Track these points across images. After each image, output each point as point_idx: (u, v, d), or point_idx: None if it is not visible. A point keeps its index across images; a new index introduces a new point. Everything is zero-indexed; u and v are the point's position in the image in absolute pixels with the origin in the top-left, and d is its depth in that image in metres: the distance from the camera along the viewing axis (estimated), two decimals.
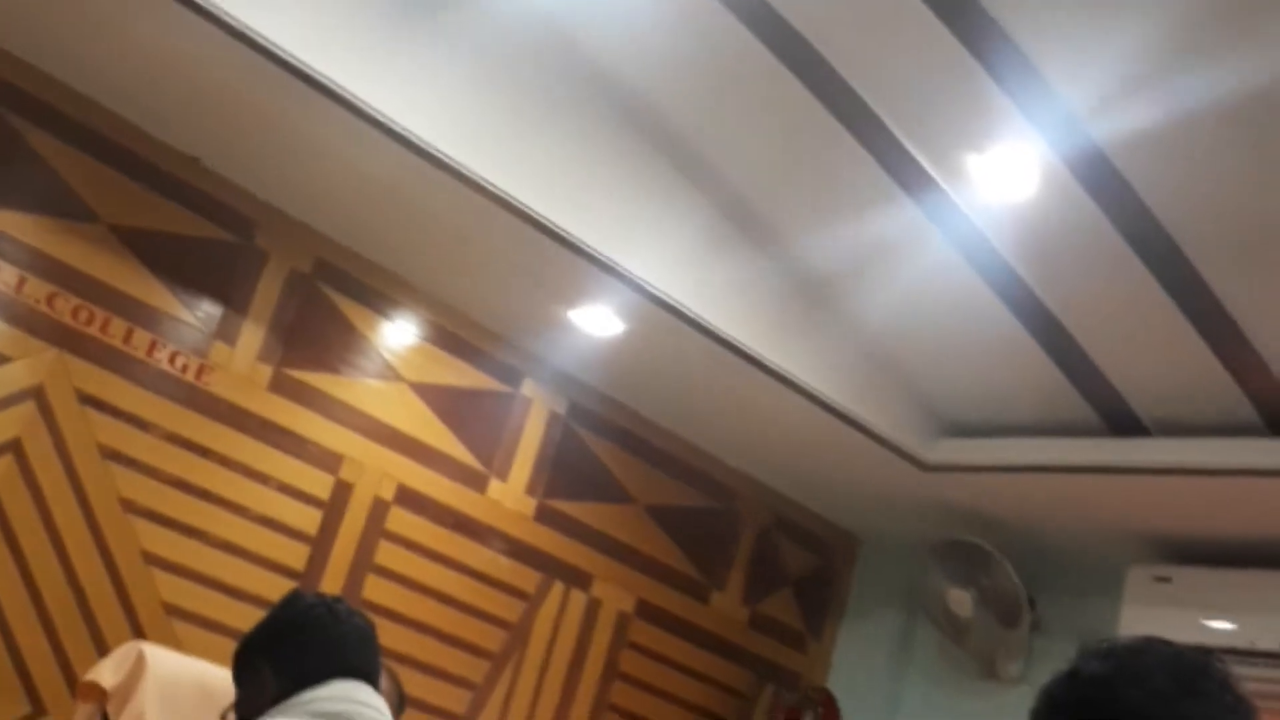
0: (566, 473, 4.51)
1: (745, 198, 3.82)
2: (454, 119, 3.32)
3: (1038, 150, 3.23)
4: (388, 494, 4.09)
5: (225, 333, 3.79)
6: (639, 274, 3.68)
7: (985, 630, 4.74)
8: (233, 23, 2.93)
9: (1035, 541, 4.66)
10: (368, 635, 2.18)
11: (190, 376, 3.73)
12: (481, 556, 4.30)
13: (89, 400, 3.55)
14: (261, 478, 3.85)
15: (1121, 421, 4.07)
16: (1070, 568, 4.69)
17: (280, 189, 3.79)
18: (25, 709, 3.42)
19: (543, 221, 3.48)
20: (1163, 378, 3.87)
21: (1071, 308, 3.77)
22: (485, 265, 3.91)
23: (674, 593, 4.80)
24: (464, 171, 3.34)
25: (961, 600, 4.70)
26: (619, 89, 3.55)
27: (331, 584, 3.93)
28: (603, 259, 3.61)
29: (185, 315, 3.73)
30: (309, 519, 3.93)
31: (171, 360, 3.70)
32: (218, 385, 3.78)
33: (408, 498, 4.13)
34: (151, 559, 3.64)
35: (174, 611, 3.67)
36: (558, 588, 4.50)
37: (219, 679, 2.57)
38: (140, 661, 2.77)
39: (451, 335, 4.24)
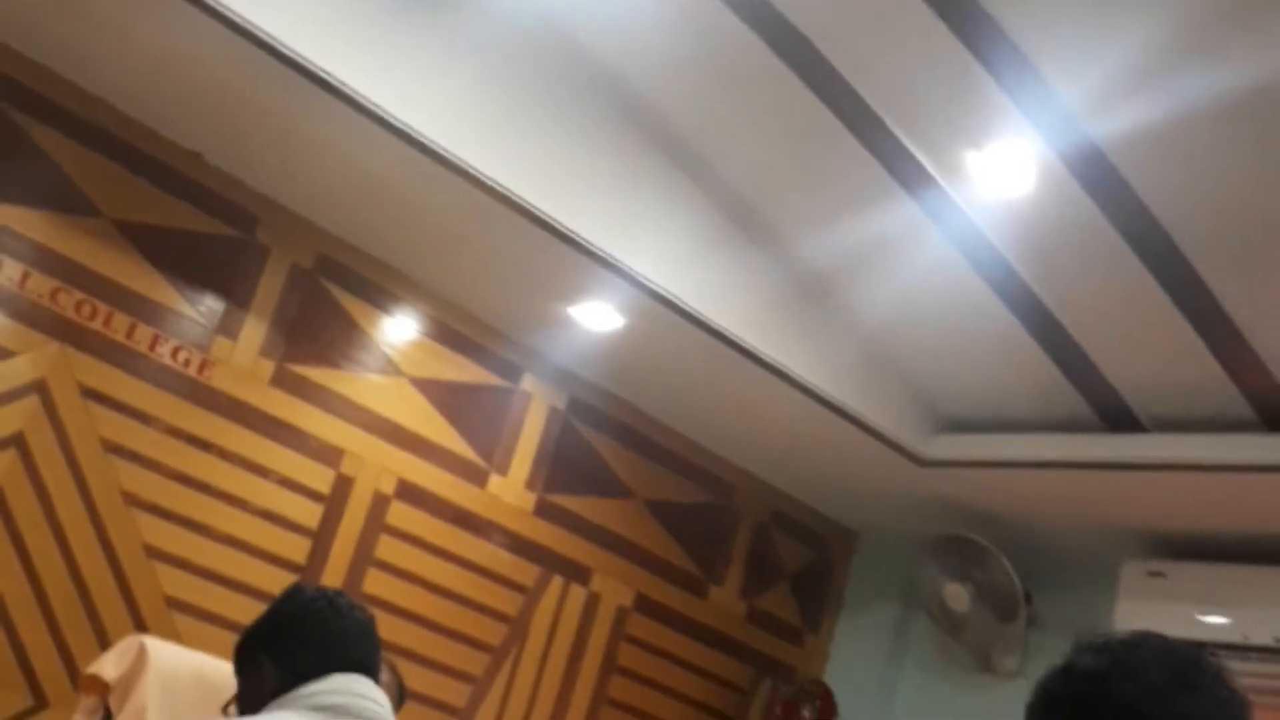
0: (566, 468, 4.52)
1: (744, 194, 3.83)
2: (455, 115, 3.33)
3: (1035, 147, 3.24)
4: (388, 488, 4.11)
5: (227, 327, 3.80)
6: (639, 270, 3.69)
7: (981, 625, 4.76)
8: (235, 19, 2.94)
9: (1031, 536, 4.67)
10: (368, 629, 2.18)
11: (192, 371, 3.74)
12: (481, 551, 4.31)
13: (92, 394, 3.57)
14: (263, 472, 3.86)
15: (1118, 417, 4.08)
16: (1066, 563, 4.71)
17: (282, 184, 3.80)
18: (27, 702, 3.44)
19: (543, 217, 3.49)
20: (1159, 374, 3.88)
21: (1069, 304, 3.79)
22: (486, 261, 3.92)
23: (672, 587, 4.81)
24: (465, 168, 3.34)
25: (958, 595, 4.72)
26: (620, 86, 3.56)
27: (332, 578, 3.94)
28: (603, 255, 3.62)
29: (188, 310, 3.74)
30: (310, 513, 3.95)
31: (174, 355, 3.71)
32: (220, 380, 3.79)
33: (408, 492, 4.15)
34: (153, 552, 3.65)
35: (175, 604, 3.69)
36: (557, 582, 4.51)
37: (220, 672, 2.57)
38: (142, 654, 2.77)
39: (452, 330, 4.26)
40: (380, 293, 4.10)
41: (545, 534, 4.47)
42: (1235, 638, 4.01)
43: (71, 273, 3.54)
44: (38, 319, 3.48)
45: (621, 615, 4.68)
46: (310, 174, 3.69)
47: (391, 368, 4.13)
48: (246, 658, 2.16)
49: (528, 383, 4.43)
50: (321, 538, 3.97)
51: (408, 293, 4.15)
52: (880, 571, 5.23)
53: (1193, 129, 3.02)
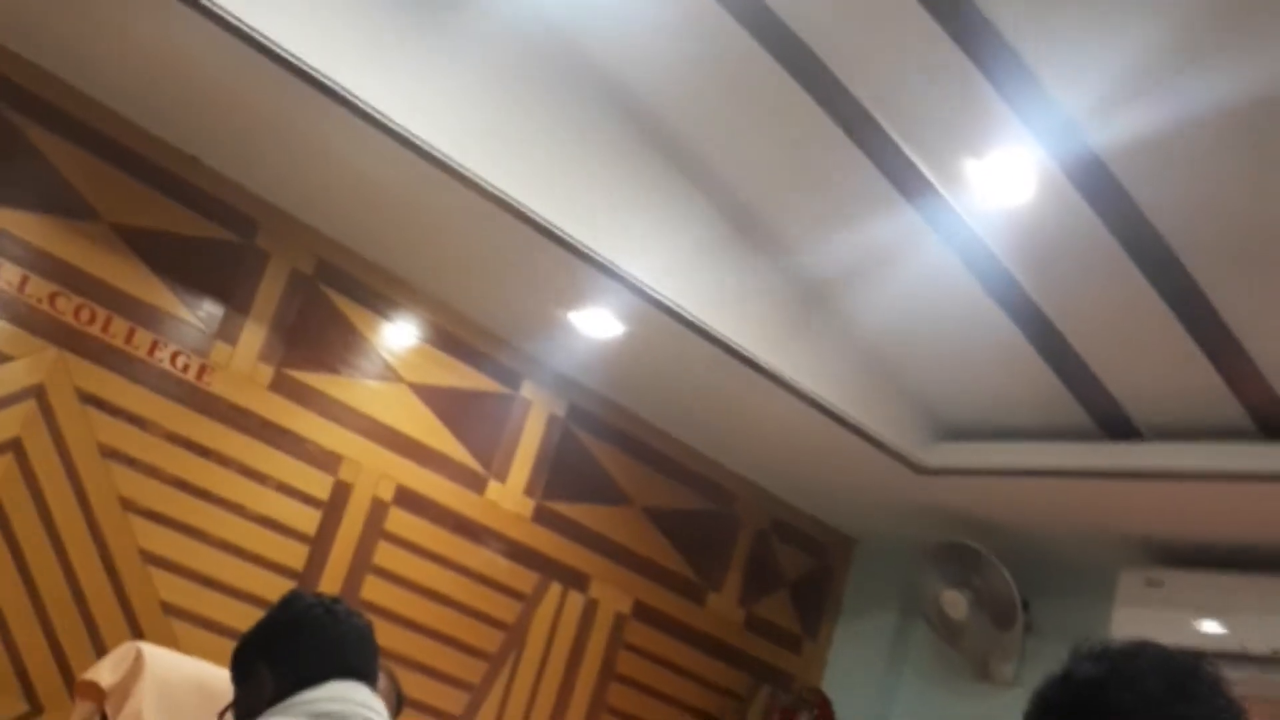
0: (565, 474, 4.52)
1: (745, 202, 3.83)
2: (457, 120, 3.33)
3: (1035, 156, 3.24)
4: (387, 494, 4.10)
5: (226, 332, 3.80)
6: (639, 277, 3.69)
7: (979, 632, 4.75)
8: (235, 22, 2.94)
9: (1029, 544, 4.67)
10: (366, 635, 2.17)
11: (191, 376, 3.74)
12: (479, 557, 4.31)
13: (90, 399, 3.56)
14: (261, 477, 3.86)
15: (1116, 426, 4.08)
16: (1064, 570, 4.71)
17: (282, 189, 3.80)
18: (22, 707, 3.43)
19: (544, 223, 3.49)
20: (1157, 383, 3.88)
21: (1068, 313, 3.79)
22: (486, 267, 3.92)
23: (671, 594, 4.81)
24: (465, 173, 3.34)
25: (956, 602, 4.72)
26: (621, 92, 3.56)
27: (330, 584, 3.94)
28: (603, 261, 3.62)
29: (186, 315, 3.74)
30: (308, 519, 3.94)
31: (173, 360, 3.71)
32: (218, 385, 3.79)
33: (406, 498, 4.14)
34: (150, 558, 3.65)
35: (172, 610, 3.68)
36: (555, 589, 4.51)
37: (217, 678, 2.56)
38: (138, 661, 2.77)
39: (452, 337, 4.25)
40: (380, 298, 4.10)
41: (544, 541, 4.47)
42: (1232, 646, 4.00)
43: (70, 277, 3.54)
44: (36, 323, 3.48)
45: (620, 622, 4.68)
46: (310, 178, 3.69)
47: (391, 373, 4.13)
48: (243, 664, 2.16)
49: (527, 389, 4.43)
50: (319, 544, 3.96)
51: (407, 298, 4.15)
52: (879, 579, 5.22)
53: (1192, 138, 3.02)
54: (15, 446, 3.43)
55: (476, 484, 4.30)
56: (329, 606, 2.16)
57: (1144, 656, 1.32)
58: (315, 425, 3.96)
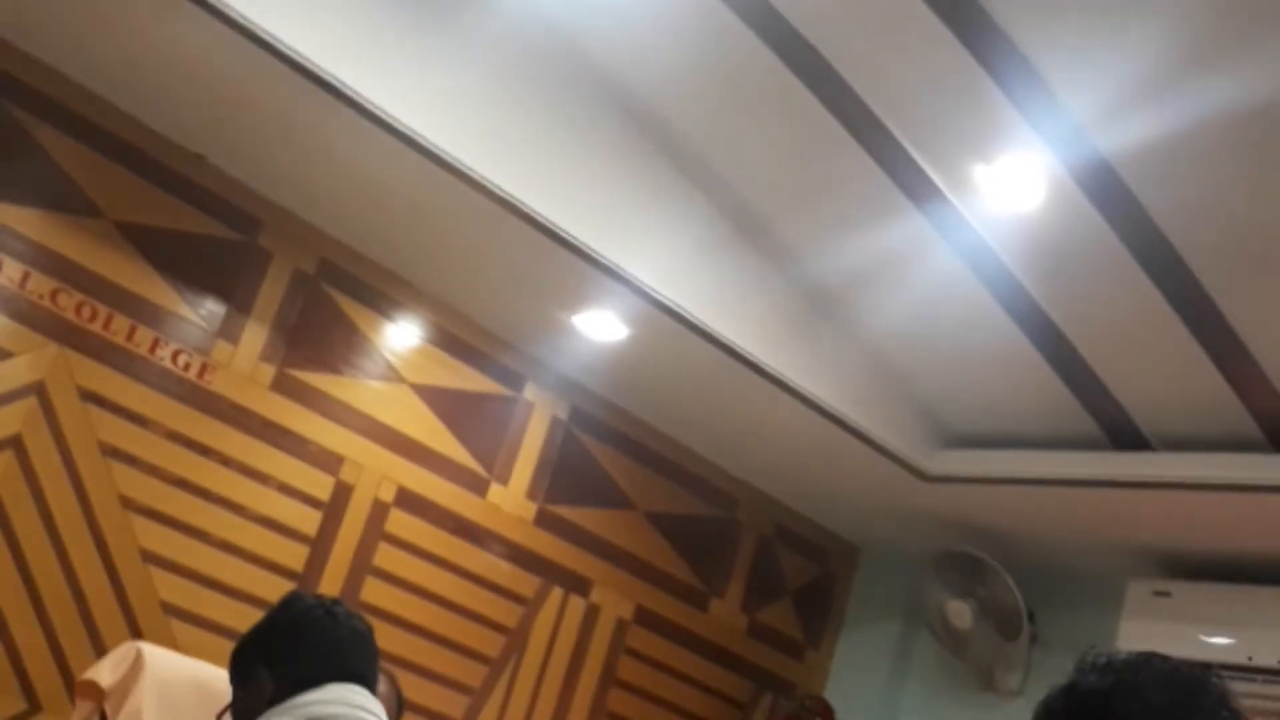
0: (567, 478, 4.51)
1: (751, 205, 3.82)
2: (461, 120, 3.32)
3: (1044, 161, 3.23)
4: (388, 496, 4.09)
5: (228, 331, 3.79)
6: (643, 279, 3.68)
7: (984, 642, 4.73)
8: (242, 21, 2.94)
9: (1035, 554, 4.65)
10: (366, 638, 2.17)
11: (192, 375, 3.73)
12: (481, 560, 4.29)
13: (90, 397, 3.55)
14: (262, 477, 3.85)
15: (1124, 435, 4.06)
16: (1070, 581, 4.69)
17: (286, 188, 3.79)
18: (21, 706, 3.42)
19: (547, 225, 3.48)
20: (1166, 392, 3.86)
21: (1076, 320, 3.77)
22: (489, 268, 3.91)
23: (673, 600, 4.79)
24: (469, 174, 3.33)
25: (961, 612, 4.70)
26: (626, 94, 3.55)
27: (330, 585, 3.92)
28: (607, 264, 3.61)
29: (188, 313, 3.73)
30: (309, 520, 3.93)
31: (174, 358, 3.70)
32: (219, 384, 3.77)
33: (408, 500, 4.13)
34: (150, 557, 3.64)
35: (172, 610, 3.67)
36: (556, 593, 4.49)
37: (216, 679, 2.56)
38: (138, 661, 2.76)
39: (454, 338, 4.24)
40: (383, 298, 4.09)
41: (545, 544, 4.45)
42: (1240, 659, 3.98)
43: (72, 274, 3.53)
44: (37, 320, 3.47)
45: (621, 627, 4.66)
46: (314, 178, 3.68)
47: (393, 374, 4.12)
48: (242, 666, 2.15)
49: (530, 391, 4.41)
50: (320, 545, 3.95)
51: (410, 299, 4.14)
52: (883, 587, 5.21)
53: (1201, 143, 3.01)
54: (15, 443, 3.42)
55: (478, 486, 4.29)
56: (329, 608, 2.16)
57: (1150, 668, 1.32)
58: (316, 425, 3.95)
